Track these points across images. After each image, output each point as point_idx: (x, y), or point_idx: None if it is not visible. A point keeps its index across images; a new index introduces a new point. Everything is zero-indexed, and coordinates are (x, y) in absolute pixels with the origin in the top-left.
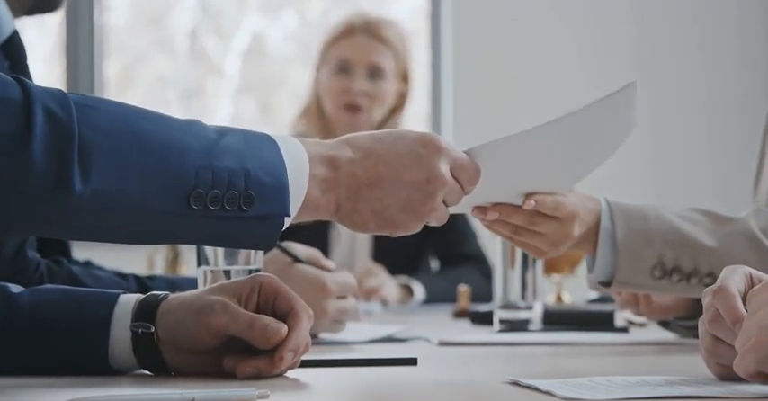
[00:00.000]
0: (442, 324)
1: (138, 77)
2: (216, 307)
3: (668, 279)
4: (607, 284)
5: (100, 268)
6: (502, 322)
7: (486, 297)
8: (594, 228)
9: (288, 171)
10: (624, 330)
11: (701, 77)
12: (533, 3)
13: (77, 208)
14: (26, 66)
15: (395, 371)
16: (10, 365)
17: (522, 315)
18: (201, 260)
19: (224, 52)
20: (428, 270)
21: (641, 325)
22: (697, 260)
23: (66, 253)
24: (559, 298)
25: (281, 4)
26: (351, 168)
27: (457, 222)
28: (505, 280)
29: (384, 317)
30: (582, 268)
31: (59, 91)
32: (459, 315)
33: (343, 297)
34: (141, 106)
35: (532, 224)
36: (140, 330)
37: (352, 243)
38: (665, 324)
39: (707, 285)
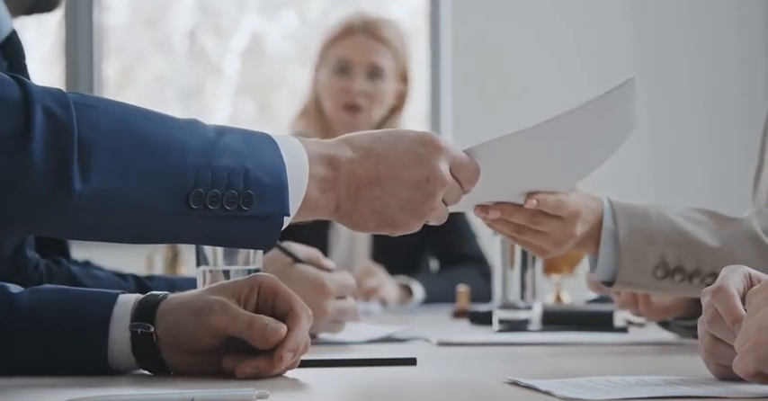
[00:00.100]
0: (441, 324)
1: (137, 77)
2: (215, 307)
3: (670, 279)
4: (609, 284)
5: (99, 268)
6: (501, 322)
7: (486, 297)
8: (597, 228)
9: (287, 170)
10: (623, 330)
11: (701, 77)
12: (533, 3)
13: (77, 207)
14: (25, 66)
15: (394, 371)
16: (9, 365)
17: (522, 315)
18: (201, 260)
19: (223, 52)
20: (427, 270)
21: (640, 325)
22: (699, 260)
23: (65, 252)
24: (559, 299)
25: (281, 4)
26: (350, 168)
27: (456, 222)
28: (505, 281)
29: (383, 317)
30: (581, 268)
31: (59, 90)
32: (459, 315)
33: (342, 297)
34: (141, 106)
35: (534, 223)
36: (139, 330)
37: (351, 243)
38: (664, 324)
39: (709, 285)
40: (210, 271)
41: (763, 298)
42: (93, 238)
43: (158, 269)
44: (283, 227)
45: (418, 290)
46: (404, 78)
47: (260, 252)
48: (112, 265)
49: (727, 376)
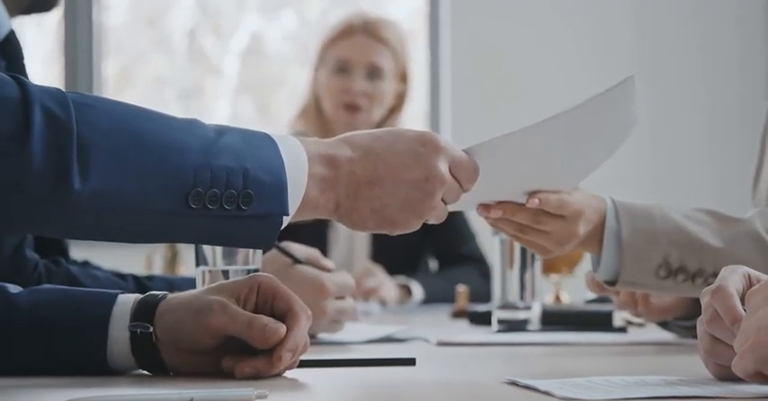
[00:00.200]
0: (440, 324)
1: (136, 77)
2: (214, 307)
3: (673, 279)
4: (612, 283)
5: (98, 268)
6: (500, 322)
7: (485, 297)
8: (600, 227)
9: (287, 170)
10: (622, 330)
11: (701, 77)
12: (532, 3)
13: (76, 207)
14: (23, 66)
15: (393, 371)
16: (8, 365)
17: (521, 315)
18: (200, 260)
19: (222, 52)
20: (427, 270)
21: (640, 325)
22: (702, 260)
23: (64, 252)
24: (558, 299)
25: (280, 4)
26: (350, 167)
27: (456, 222)
28: (504, 281)
29: (382, 317)
30: (580, 268)
31: (58, 90)
32: (458, 315)
33: (341, 297)
34: (140, 105)
35: (537, 222)
36: (139, 330)
37: (350, 243)
38: (663, 324)
39: None
40: (209, 271)
41: (763, 298)
42: (92, 238)
43: (157, 269)
44: (282, 227)
45: (417, 290)
46: (403, 78)
47: (259, 252)
48: (111, 265)
49: (726, 376)
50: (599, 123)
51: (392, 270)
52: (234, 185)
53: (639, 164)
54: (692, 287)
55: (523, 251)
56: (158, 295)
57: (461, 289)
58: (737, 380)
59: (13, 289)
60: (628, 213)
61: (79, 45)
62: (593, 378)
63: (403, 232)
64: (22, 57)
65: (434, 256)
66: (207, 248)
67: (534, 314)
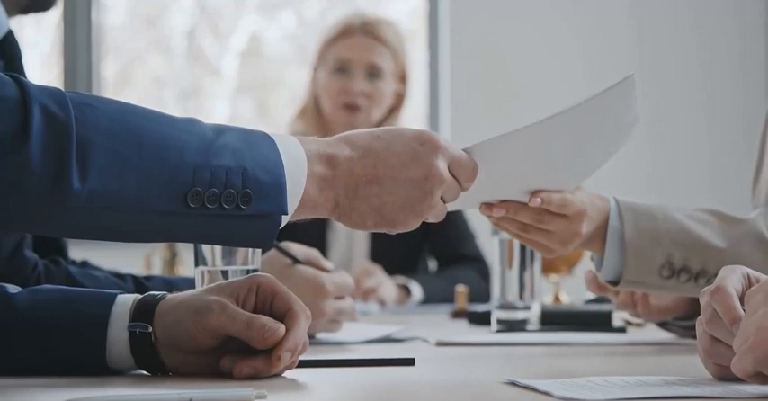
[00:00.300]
0: (439, 324)
1: (135, 77)
2: (213, 308)
3: (676, 278)
4: (615, 283)
5: (97, 268)
6: (499, 322)
7: (484, 297)
8: (603, 227)
9: (285, 169)
10: (622, 330)
11: (701, 77)
12: (531, 3)
13: (76, 206)
14: (22, 66)
15: (392, 372)
16: (8, 365)
17: (520, 315)
18: (199, 260)
19: (221, 52)
20: (426, 270)
21: (639, 325)
22: (705, 260)
23: (63, 252)
24: (557, 299)
25: (279, 4)
26: (349, 166)
27: (455, 222)
28: (503, 281)
29: (382, 318)
30: (580, 268)
31: (57, 89)
32: (457, 315)
33: (340, 297)
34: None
35: (540, 222)
36: (138, 330)
37: (349, 243)
38: (662, 324)
39: None
40: (209, 271)
41: (762, 298)
42: (91, 237)
43: (156, 269)
44: (281, 226)
45: (416, 291)
46: (402, 78)
47: (258, 252)
48: (110, 265)
49: (725, 376)
50: (599, 122)
51: (391, 270)
52: (233, 185)
53: (639, 164)
54: (694, 287)
55: (523, 251)
56: (157, 295)
57: (460, 289)
58: (737, 380)
59: (13, 289)
60: (631, 213)
61: (78, 45)
62: (593, 378)
63: (402, 231)
64: (20, 57)
65: (433, 256)
66: (206, 248)
67: (533, 314)
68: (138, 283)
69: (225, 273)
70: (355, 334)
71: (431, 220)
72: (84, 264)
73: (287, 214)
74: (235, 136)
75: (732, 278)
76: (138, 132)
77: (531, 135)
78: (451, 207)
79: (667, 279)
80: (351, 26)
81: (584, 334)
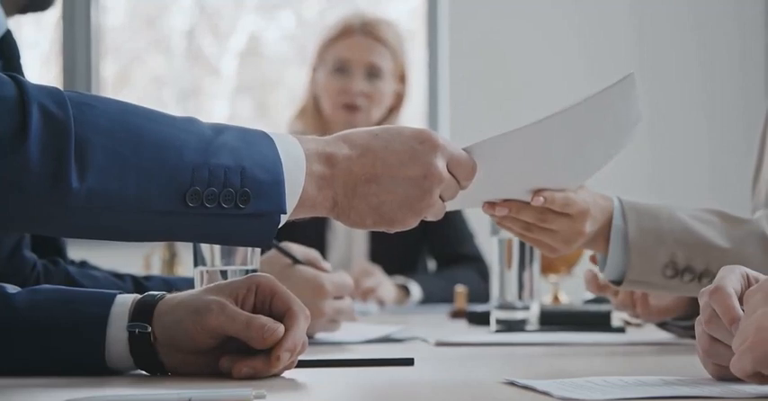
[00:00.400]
0: (438, 324)
1: (134, 78)
2: (213, 308)
3: (679, 278)
4: (618, 283)
5: (96, 268)
6: (499, 322)
7: (483, 297)
8: (607, 226)
9: (284, 168)
10: (621, 330)
11: (701, 77)
12: (531, 3)
13: (75, 206)
14: (20, 66)
15: (392, 372)
16: (7, 365)
17: (519, 315)
18: (198, 260)
19: (221, 52)
20: (425, 270)
21: (638, 325)
22: (709, 260)
23: (61, 252)
24: (556, 299)
25: (278, 4)
26: (347, 165)
27: (454, 222)
28: (502, 281)
29: (381, 318)
30: (579, 268)
31: (55, 88)
32: (456, 315)
33: (339, 297)
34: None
35: (543, 221)
36: (137, 330)
37: (349, 243)
38: (661, 324)
39: None
40: (208, 271)
41: (761, 297)
42: (90, 237)
43: (156, 269)
44: (280, 225)
45: (416, 291)
46: (402, 78)
47: (257, 252)
48: (109, 265)
49: (724, 376)
50: (600, 121)
51: (390, 270)
52: (231, 184)
53: (639, 164)
54: (698, 287)
55: (522, 251)
56: (156, 295)
57: (460, 289)
58: (736, 380)
59: (12, 289)
60: (634, 212)
61: (78, 45)
62: (592, 378)
63: (401, 229)
64: (18, 57)
65: (433, 256)
66: (205, 248)
67: (533, 314)
68: (138, 283)
69: (224, 273)
70: (354, 334)
71: (430, 219)
72: (83, 264)
73: (285, 213)
74: (233, 135)
75: (731, 278)
76: (138, 132)
77: (530, 134)
78: (452, 206)
79: (671, 279)
80: (350, 26)
81: (584, 334)
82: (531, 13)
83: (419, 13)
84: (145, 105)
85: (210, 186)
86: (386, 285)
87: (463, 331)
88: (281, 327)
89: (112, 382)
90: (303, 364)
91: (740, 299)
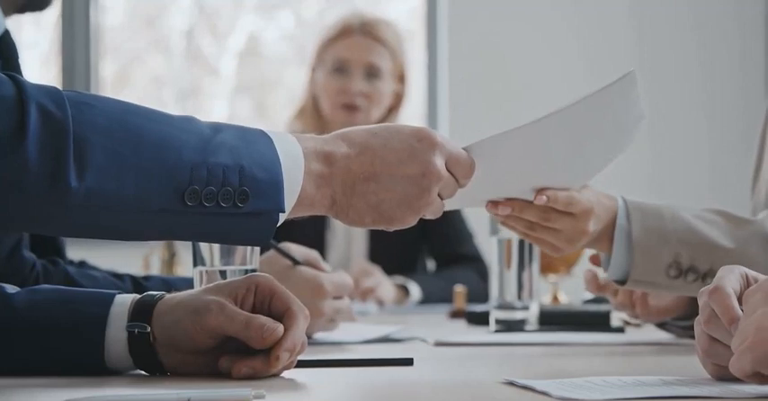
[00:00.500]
0: (438, 324)
1: (133, 78)
2: (212, 307)
3: (683, 278)
4: (622, 282)
5: (95, 268)
6: (498, 322)
7: (483, 297)
8: (611, 226)
9: (282, 167)
10: (620, 330)
11: (701, 77)
12: (530, 3)
13: (73, 205)
14: (18, 66)
15: (391, 372)
16: (6, 365)
17: (519, 315)
18: (197, 260)
19: (220, 52)
20: (424, 270)
21: (637, 325)
22: (713, 260)
23: (60, 252)
24: (555, 299)
25: (277, 4)
26: (346, 163)
27: (453, 222)
28: (501, 281)
29: (380, 318)
30: (578, 268)
31: (54, 88)
32: (456, 315)
33: (338, 297)
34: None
35: (546, 220)
36: (136, 330)
37: (348, 243)
38: (661, 324)
39: None
40: (207, 271)
41: (761, 297)
42: (89, 236)
43: (155, 269)
44: (279, 224)
45: (415, 291)
46: (401, 78)
47: (257, 252)
48: (109, 265)
49: (723, 376)
50: (600, 120)
51: (390, 270)
52: (230, 183)
53: (639, 164)
54: (701, 287)
55: (521, 251)
56: (156, 295)
57: (459, 289)
58: (735, 380)
59: (11, 289)
60: (639, 212)
61: (77, 45)
62: (591, 378)
63: (400, 228)
64: (17, 57)
65: (432, 256)
66: (204, 248)
67: (532, 314)
68: (137, 283)
69: (223, 273)
70: (354, 334)
71: (428, 217)
72: (83, 264)
73: (284, 212)
74: (232, 134)
75: (730, 278)
76: (136, 131)
77: (530, 133)
78: (453, 205)
79: (675, 279)
80: (349, 26)
81: (583, 334)
82: (530, 13)
83: (418, 14)
84: (144, 105)
85: (209, 185)
86: (385, 285)
87: (462, 331)
88: (280, 327)
89: (112, 382)
90: (302, 364)
91: (739, 299)
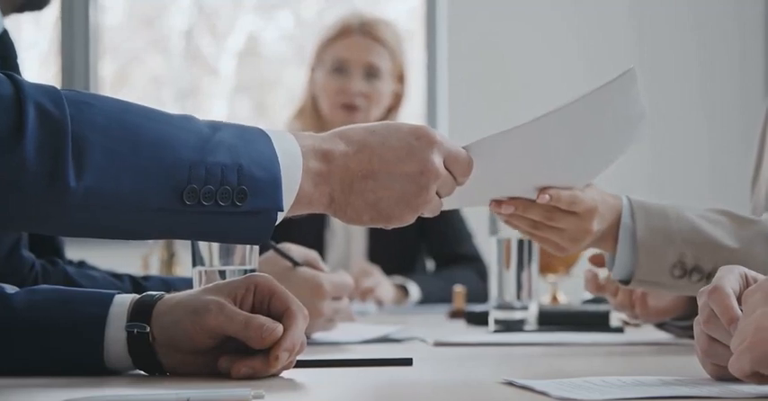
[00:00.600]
0: (437, 324)
1: (133, 77)
2: (211, 307)
3: (688, 278)
4: (626, 282)
5: (94, 268)
6: (497, 322)
7: (482, 297)
8: (615, 225)
9: (281, 165)
10: (619, 330)
11: (701, 77)
12: (530, 3)
13: (72, 204)
14: (17, 66)
15: (390, 372)
16: (5, 365)
17: (518, 315)
18: (197, 260)
19: (219, 52)
20: (423, 270)
21: (636, 325)
22: (717, 260)
23: (59, 252)
24: (555, 299)
25: (277, 4)
26: (344, 161)
27: (452, 221)
28: (501, 281)
29: (379, 318)
30: (578, 268)
31: (52, 87)
32: (455, 315)
33: (337, 297)
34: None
35: (550, 219)
36: (135, 330)
37: (347, 243)
38: (660, 324)
39: None
40: (206, 271)
41: (760, 297)
42: (88, 235)
43: (154, 269)
44: (277, 222)
45: (414, 291)
46: (400, 78)
47: (256, 251)
48: (108, 265)
49: (723, 376)
50: (600, 118)
51: (389, 270)
52: (228, 181)
53: (639, 164)
54: None
55: (520, 251)
56: (155, 295)
57: (458, 289)
58: (734, 380)
59: (10, 289)
60: (643, 211)
61: (76, 45)
62: (590, 378)
63: (398, 225)
64: (15, 57)
65: (431, 256)
66: (203, 248)
67: (531, 314)
68: (136, 283)
69: (222, 273)
70: (353, 334)
71: (426, 215)
72: (82, 264)
73: (282, 210)
74: (230, 132)
75: (730, 278)
76: (135, 130)
77: (530, 132)
78: (455, 203)
79: (679, 278)
80: (349, 26)
81: (582, 334)
82: (530, 13)
83: (418, 14)
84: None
85: (207, 184)
86: (384, 285)
87: (462, 331)
88: (279, 327)
89: (111, 382)
90: (302, 364)
91: (739, 299)
